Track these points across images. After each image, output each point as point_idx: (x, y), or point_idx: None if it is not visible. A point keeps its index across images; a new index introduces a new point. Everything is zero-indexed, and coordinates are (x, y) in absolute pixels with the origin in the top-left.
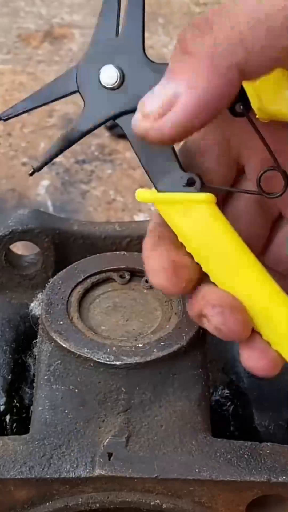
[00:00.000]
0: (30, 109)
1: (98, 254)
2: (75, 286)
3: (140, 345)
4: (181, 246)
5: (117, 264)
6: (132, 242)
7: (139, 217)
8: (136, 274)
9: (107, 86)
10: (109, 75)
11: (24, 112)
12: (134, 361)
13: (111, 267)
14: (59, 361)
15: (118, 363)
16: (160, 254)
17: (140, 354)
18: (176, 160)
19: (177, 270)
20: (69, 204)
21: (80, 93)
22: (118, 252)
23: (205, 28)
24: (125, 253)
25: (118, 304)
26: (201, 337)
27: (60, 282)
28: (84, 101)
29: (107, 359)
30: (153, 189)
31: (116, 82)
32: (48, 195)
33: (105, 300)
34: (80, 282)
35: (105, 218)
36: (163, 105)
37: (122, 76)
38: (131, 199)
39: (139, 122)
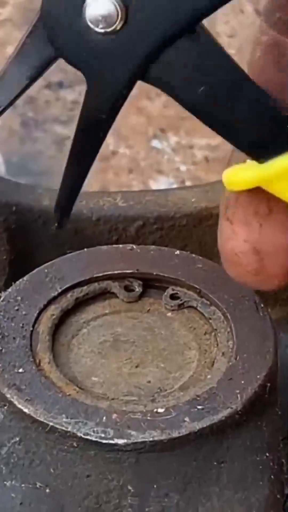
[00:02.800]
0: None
1: (85, 249)
2: (46, 306)
3: (160, 410)
4: None
5: (119, 266)
6: (146, 227)
7: (159, 183)
8: (153, 284)
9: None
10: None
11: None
12: (150, 439)
13: (109, 272)
14: (17, 439)
15: (121, 441)
16: (277, 228)
17: (160, 427)
18: None
19: None
20: (35, 160)
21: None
22: (121, 245)
23: None
24: (134, 246)
25: (121, 336)
26: (268, 395)
27: (19, 298)
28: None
29: (102, 436)
30: (248, 161)
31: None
32: None
33: (98, 330)
34: (55, 298)
35: (100, 186)
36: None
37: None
38: (145, 151)
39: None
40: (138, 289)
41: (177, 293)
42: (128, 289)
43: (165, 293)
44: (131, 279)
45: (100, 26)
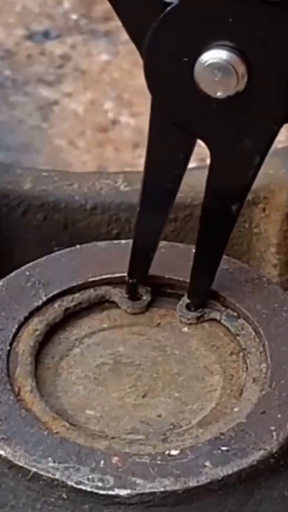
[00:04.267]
0: None
1: (78, 246)
2: (27, 319)
3: (174, 452)
4: None
5: (120, 268)
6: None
7: None
8: (164, 291)
9: None
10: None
11: None
12: (161, 489)
13: (108, 276)
14: None
15: (124, 492)
16: None
17: (173, 474)
18: None
19: None
20: (13, 131)
21: None
22: (123, 241)
23: None
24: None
25: (123, 358)
26: None
27: None
28: None
29: (100, 485)
30: None
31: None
32: None
33: (94, 350)
34: (39, 309)
35: (95, 165)
36: None
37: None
38: None
39: None
40: (145, 297)
41: None
42: (132, 297)
43: (180, 302)
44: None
45: (218, 93)
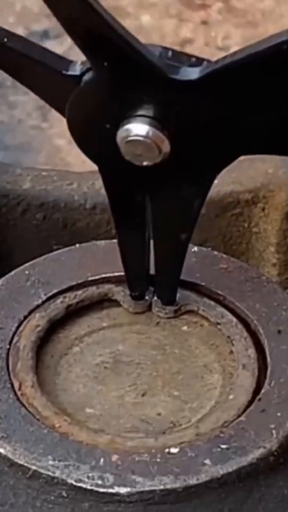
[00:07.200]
0: None
1: (77, 245)
2: (27, 316)
3: (173, 450)
4: None
5: (120, 266)
6: None
7: None
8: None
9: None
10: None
11: None
12: (161, 487)
13: (108, 274)
14: None
15: (124, 490)
16: None
17: (173, 472)
18: None
19: None
20: (13, 131)
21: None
22: None
23: None
24: None
25: (123, 356)
26: None
27: None
28: None
29: (100, 483)
30: None
31: None
32: None
33: (94, 349)
34: (38, 307)
35: (95, 165)
36: None
37: None
38: None
39: None
40: (148, 297)
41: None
42: (135, 295)
43: (155, 298)
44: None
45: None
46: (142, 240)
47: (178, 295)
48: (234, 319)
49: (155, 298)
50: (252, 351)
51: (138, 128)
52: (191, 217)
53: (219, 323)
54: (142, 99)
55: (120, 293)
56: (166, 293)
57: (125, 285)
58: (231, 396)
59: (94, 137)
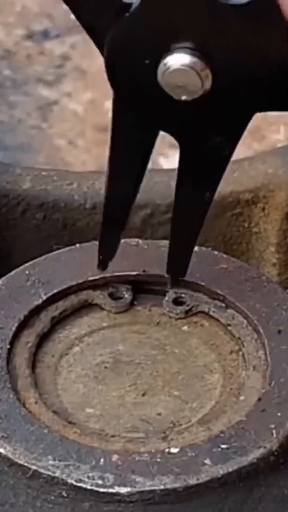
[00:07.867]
0: None
1: (78, 245)
2: (27, 317)
3: (174, 450)
4: None
5: (121, 266)
6: (154, 217)
7: (172, 160)
8: (149, 287)
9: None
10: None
11: None
12: (161, 487)
13: (108, 275)
14: None
15: (124, 490)
16: None
17: (173, 472)
18: None
19: None
20: (13, 131)
21: None
22: (123, 240)
23: None
24: (140, 241)
25: (123, 356)
26: None
27: None
28: None
29: (100, 482)
30: None
31: None
32: None
33: (94, 349)
34: (38, 307)
35: (95, 164)
36: None
37: None
38: None
39: None
40: (127, 295)
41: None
42: (115, 296)
43: (166, 298)
44: (135, 283)
45: (183, 97)
46: (135, 171)
47: (188, 296)
48: (245, 321)
49: (166, 298)
50: (262, 353)
51: (182, 58)
52: (218, 170)
53: (229, 325)
54: (187, 30)
55: (99, 296)
56: (178, 267)
57: (124, 285)
58: (242, 398)
59: (133, 70)
